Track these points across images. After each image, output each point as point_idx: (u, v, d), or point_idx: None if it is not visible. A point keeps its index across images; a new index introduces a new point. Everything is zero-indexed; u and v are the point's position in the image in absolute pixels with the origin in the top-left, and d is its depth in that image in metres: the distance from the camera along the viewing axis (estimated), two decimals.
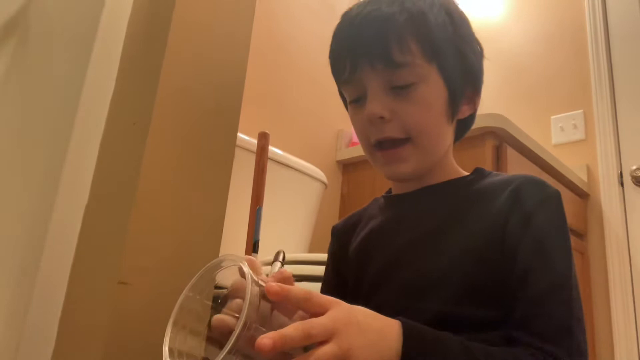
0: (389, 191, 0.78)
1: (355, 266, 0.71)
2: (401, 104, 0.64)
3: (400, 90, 0.64)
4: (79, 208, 0.78)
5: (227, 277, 0.47)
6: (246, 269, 0.42)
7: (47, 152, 0.83)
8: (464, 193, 0.68)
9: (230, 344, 0.38)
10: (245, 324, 0.39)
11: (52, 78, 0.90)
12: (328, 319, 0.43)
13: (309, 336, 0.41)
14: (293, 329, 0.40)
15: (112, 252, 0.71)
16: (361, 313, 0.46)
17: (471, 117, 0.73)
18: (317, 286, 0.80)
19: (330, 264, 0.78)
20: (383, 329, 0.46)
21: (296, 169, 1.42)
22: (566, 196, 1.69)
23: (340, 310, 0.44)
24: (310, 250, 1.47)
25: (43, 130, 0.86)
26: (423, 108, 0.65)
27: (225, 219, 0.85)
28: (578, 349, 0.55)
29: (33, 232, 0.78)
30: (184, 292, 0.46)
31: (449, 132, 0.69)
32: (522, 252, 0.59)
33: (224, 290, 0.48)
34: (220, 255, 0.47)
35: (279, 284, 0.43)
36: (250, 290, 0.40)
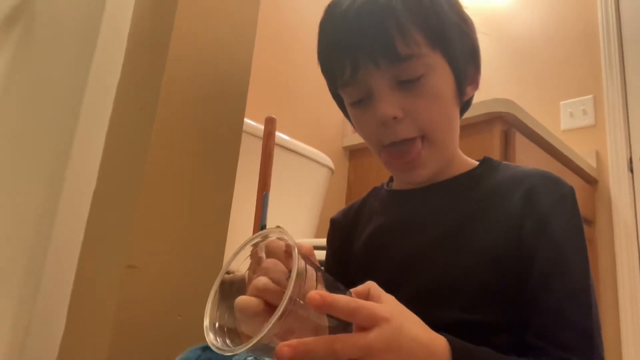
0: (391, 179, 0.75)
1: (363, 266, 0.68)
2: (412, 100, 0.60)
3: (408, 84, 0.59)
4: (87, 193, 0.79)
5: (239, 261, 0.46)
6: (292, 241, 0.40)
7: (55, 138, 0.84)
8: (475, 192, 0.64)
9: (277, 316, 0.35)
10: (290, 299, 0.36)
11: (58, 64, 0.90)
12: (366, 338, 0.39)
13: (335, 354, 0.37)
14: (320, 344, 0.37)
15: (121, 236, 0.72)
16: (409, 337, 0.41)
17: (471, 98, 0.70)
18: None
19: (334, 259, 0.75)
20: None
21: (303, 155, 1.42)
22: (575, 182, 1.67)
23: (386, 331, 0.40)
24: (317, 236, 1.48)
25: (51, 116, 0.87)
26: (435, 100, 0.61)
27: (232, 204, 0.85)
28: (598, 355, 0.54)
29: (42, 217, 0.79)
30: (224, 266, 0.45)
31: (458, 119, 0.66)
32: (540, 258, 0.57)
33: (232, 275, 0.47)
34: (254, 234, 0.45)
35: (320, 292, 0.37)
36: (298, 263, 0.38)
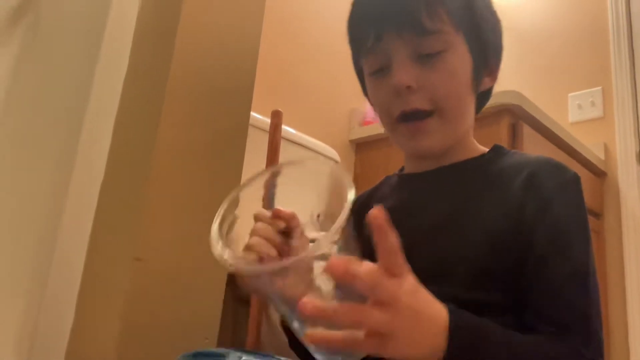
0: (402, 169, 0.76)
1: (369, 248, 0.69)
2: (428, 73, 0.62)
3: (427, 58, 0.62)
4: (94, 186, 0.79)
5: (250, 189, 0.47)
6: (339, 171, 0.41)
7: (62, 131, 0.84)
8: (480, 175, 0.66)
9: (339, 224, 0.36)
10: (348, 219, 0.37)
11: (65, 57, 0.91)
12: (387, 314, 0.39)
13: (359, 325, 0.39)
14: (345, 312, 0.38)
15: (128, 229, 0.72)
16: (425, 316, 0.43)
17: (489, 91, 0.72)
18: None
19: None
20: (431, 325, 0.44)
21: (309, 148, 1.42)
22: (583, 175, 1.64)
23: (404, 308, 0.41)
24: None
25: (58, 109, 0.87)
26: (450, 77, 0.63)
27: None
28: (596, 338, 0.54)
29: (50, 210, 0.79)
30: (237, 189, 0.47)
31: (472, 105, 0.68)
32: (539, 240, 0.57)
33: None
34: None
35: (344, 260, 0.38)
36: (349, 193, 0.38)
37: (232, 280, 0.88)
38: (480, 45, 0.65)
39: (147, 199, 0.72)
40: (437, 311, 0.45)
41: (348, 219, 0.41)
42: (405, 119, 0.63)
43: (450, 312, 0.46)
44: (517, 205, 0.60)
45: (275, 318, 0.92)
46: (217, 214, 0.46)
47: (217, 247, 0.42)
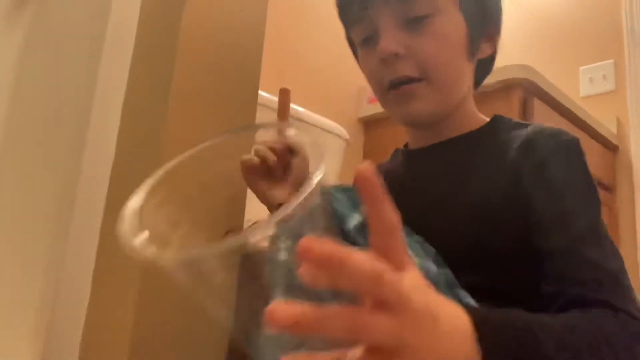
0: (407, 145, 0.75)
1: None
2: (416, 38, 0.59)
3: (414, 23, 0.59)
4: (106, 167, 0.80)
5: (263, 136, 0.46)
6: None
7: (72, 113, 0.84)
8: (477, 150, 0.63)
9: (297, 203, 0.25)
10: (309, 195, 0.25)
11: (72, 38, 0.90)
12: (396, 320, 0.28)
13: (358, 336, 0.27)
14: (336, 318, 0.26)
15: None
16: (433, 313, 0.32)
17: (491, 60, 0.68)
18: None
19: None
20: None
21: (317, 126, 1.41)
22: (595, 149, 1.65)
23: (417, 310, 0.29)
24: None
25: (67, 91, 0.87)
26: (440, 42, 0.60)
27: None
28: (630, 293, 0.51)
29: (63, 191, 0.80)
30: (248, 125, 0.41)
31: (468, 72, 0.64)
32: (539, 206, 0.55)
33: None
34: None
35: (325, 240, 0.26)
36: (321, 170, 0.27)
37: (247, 258, 0.88)
38: (475, 9, 0.62)
39: None
40: (454, 310, 0.35)
41: (319, 207, 0.28)
42: (394, 86, 0.61)
43: (467, 310, 0.35)
44: (513, 176, 0.57)
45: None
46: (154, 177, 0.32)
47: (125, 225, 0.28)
